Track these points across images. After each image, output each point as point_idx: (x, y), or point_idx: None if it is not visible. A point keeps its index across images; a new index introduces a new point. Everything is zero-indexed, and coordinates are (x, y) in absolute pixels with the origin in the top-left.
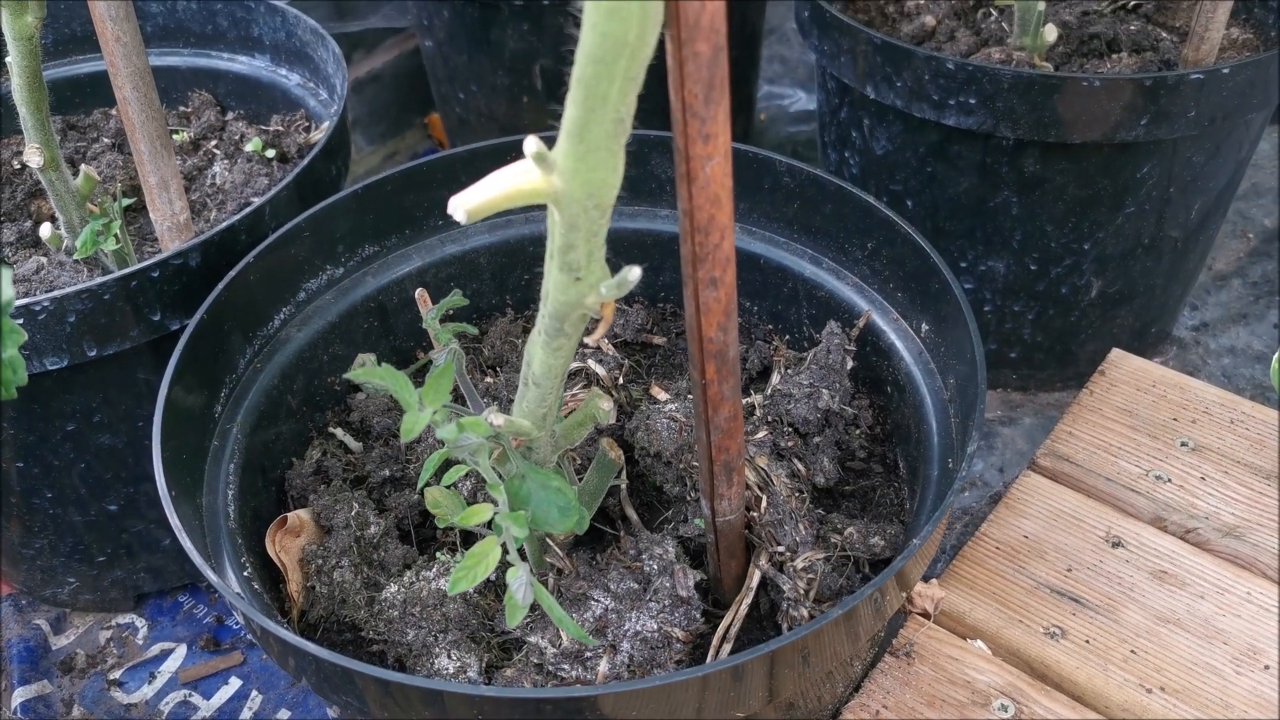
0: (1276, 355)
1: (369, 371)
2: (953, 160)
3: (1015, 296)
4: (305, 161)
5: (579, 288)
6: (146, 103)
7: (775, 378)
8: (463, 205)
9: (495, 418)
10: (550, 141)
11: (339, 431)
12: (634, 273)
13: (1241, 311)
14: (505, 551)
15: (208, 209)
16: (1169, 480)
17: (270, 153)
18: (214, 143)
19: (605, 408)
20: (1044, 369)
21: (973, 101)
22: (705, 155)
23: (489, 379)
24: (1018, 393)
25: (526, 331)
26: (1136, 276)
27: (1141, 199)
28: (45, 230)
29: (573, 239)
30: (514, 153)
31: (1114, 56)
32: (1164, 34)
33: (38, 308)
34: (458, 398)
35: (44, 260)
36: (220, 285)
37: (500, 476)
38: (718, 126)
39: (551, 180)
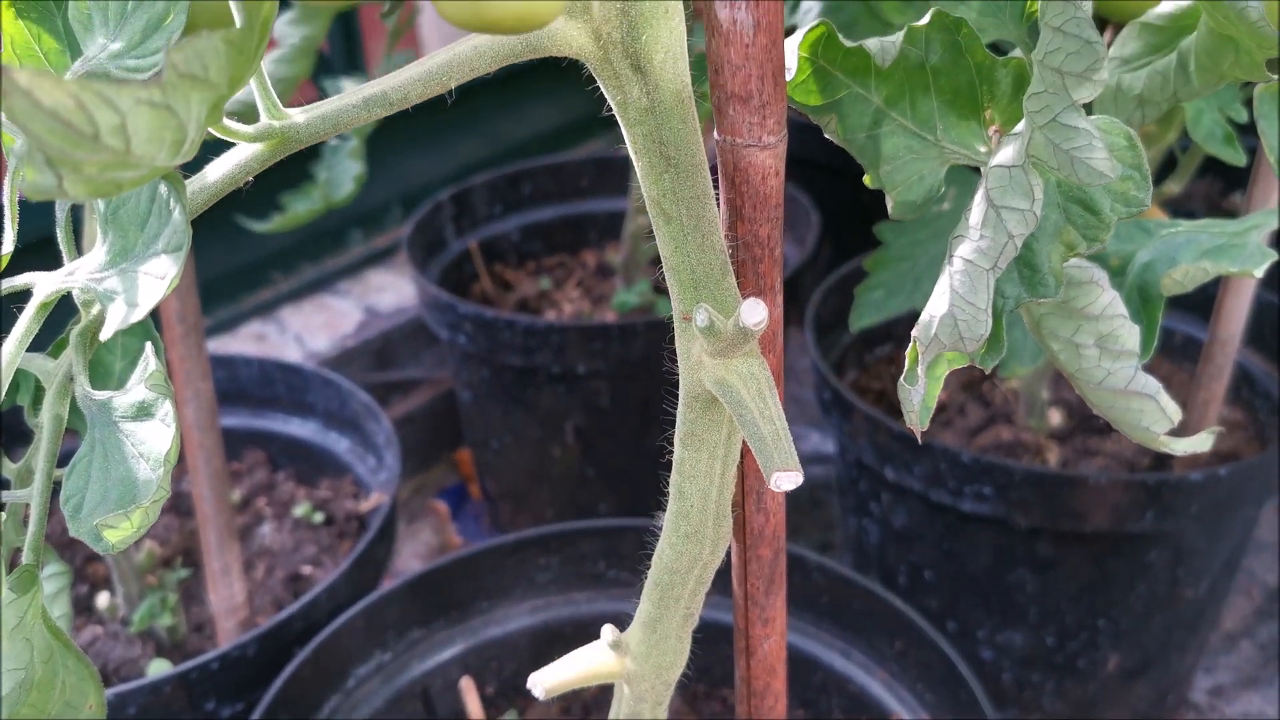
0: None
1: None
2: (969, 539)
3: (1033, 667)
4: (360, 549)
5: None
6: (219, 499)
7: None
8: (542, 684)
9: None
10: (615, 618)
11: None
12: None
13: (1252, 675)
14: None
15: (255, 569)
16: None
17: (318, 516)
18: (263, 501)
19: None
20: None
21: (987, 491)
22: (764, 635)
23: None
24: None
25: (563, 714)
26: (1152, 649)
27: (1151, 579)
28: (103, 600)
29: (639, 709)
30: (557, 540)
31: (1115, 435)
32: None
33: None
34: None
35: (100, 630)
36: (278, 683)
37: None
38: (775, 612)
39: (625, 663)
